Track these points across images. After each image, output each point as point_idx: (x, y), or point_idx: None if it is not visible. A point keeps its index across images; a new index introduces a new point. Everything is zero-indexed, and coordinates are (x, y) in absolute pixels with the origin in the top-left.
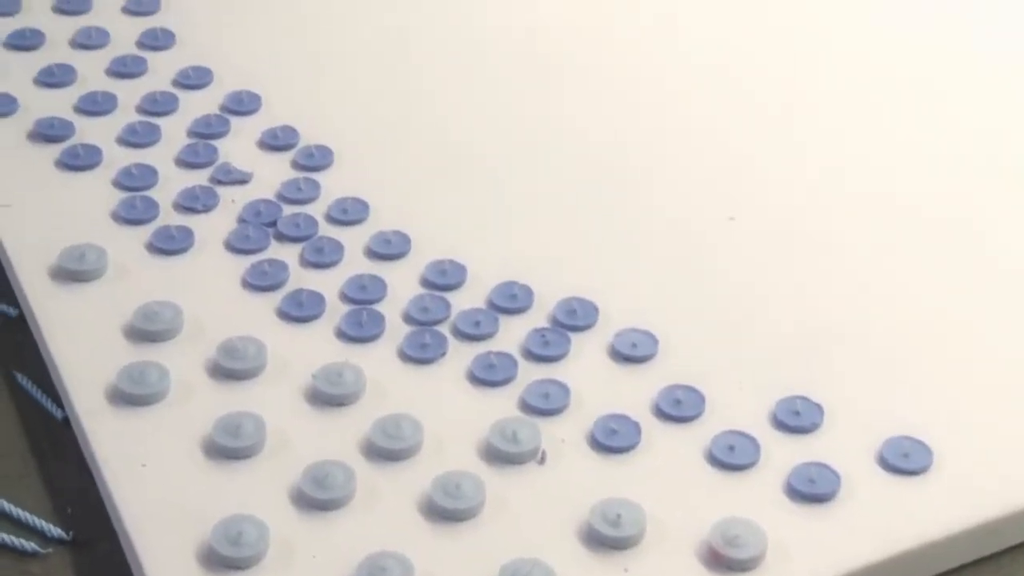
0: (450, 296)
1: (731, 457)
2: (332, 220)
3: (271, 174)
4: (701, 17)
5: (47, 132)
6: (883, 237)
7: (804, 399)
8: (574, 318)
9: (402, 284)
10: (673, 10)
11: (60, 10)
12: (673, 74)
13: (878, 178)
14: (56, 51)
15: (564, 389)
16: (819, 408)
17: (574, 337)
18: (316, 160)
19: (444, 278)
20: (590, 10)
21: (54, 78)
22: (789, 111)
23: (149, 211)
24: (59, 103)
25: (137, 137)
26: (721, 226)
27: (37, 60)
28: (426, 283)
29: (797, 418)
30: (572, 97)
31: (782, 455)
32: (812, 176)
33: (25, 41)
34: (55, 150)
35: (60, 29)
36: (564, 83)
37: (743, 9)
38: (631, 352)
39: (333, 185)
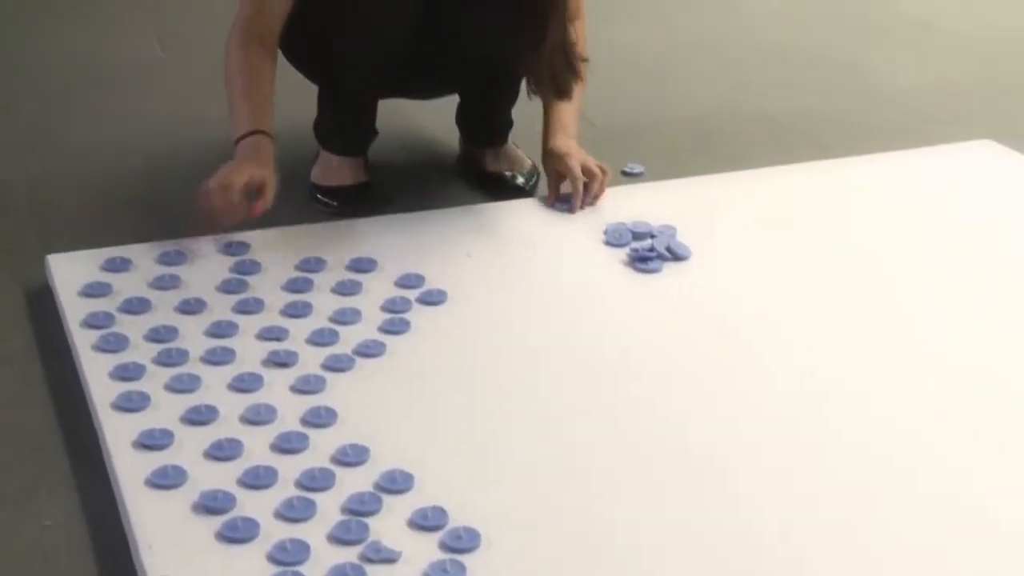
0: None
1: None
2: None
3: (419, 554)
4: (841, 420)
5: (210, 504)
6: None
7: None
8: None
9: None
10: (808, 423)
11: (234, 388)
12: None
13: None
14: (226, 426)
15: None
16: None
17: None
18: (464, 542)
19: None
20: (742, 410)
21: (222, 452)
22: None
23: None
24: (224, 476)
25: (294, 512)
26: None
27: (208, 434)
28: None
29: None
30: (712, 499)
31: None
32: None
33: (200, 416)
34: (216, 522)
35: (232, 405)
36: (705, 480)
37: (883, 432)
38: None
39: (479, 568)
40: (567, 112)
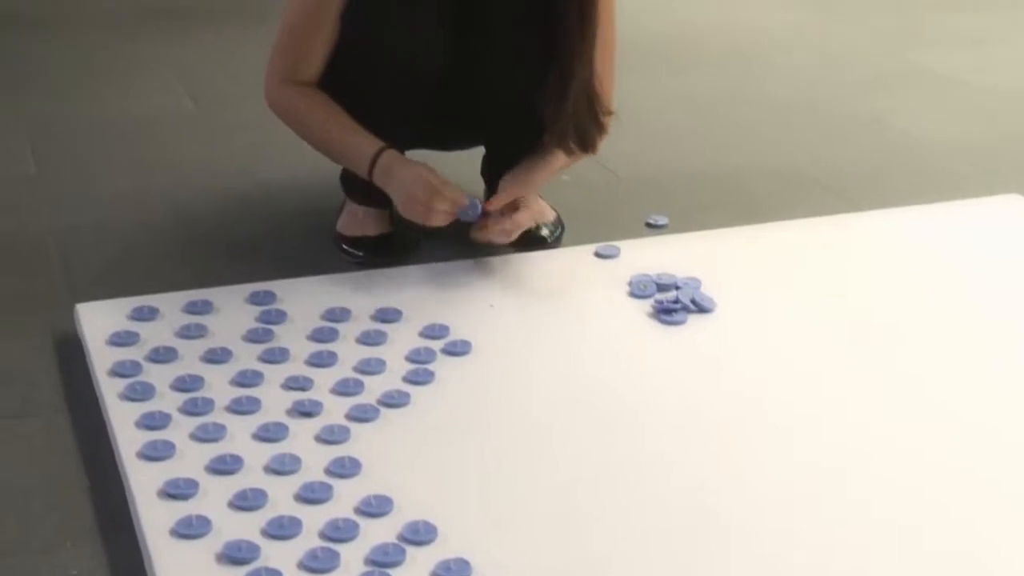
0: None
1: None
2: None
3: None
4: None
5: (235, 555)
6: None
7: None
8: None
9: None
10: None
11: (259, 437)
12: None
13: None
14: (251, 476)
15: None
16: None
17: None
18: None
19: None
20: (765, 467)
21: (247, 502)
22: None
23: None
24: (248, 526)
25: (318, 563)
26: None
27: (233, 484)
28: None
29: None
30: (731, 554)
31: None
32: None
33: (225, 466)
34: (240, 572)
35: (256, 454)
36: (723, 536)
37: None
38: None
39: None
40: (557, 165)
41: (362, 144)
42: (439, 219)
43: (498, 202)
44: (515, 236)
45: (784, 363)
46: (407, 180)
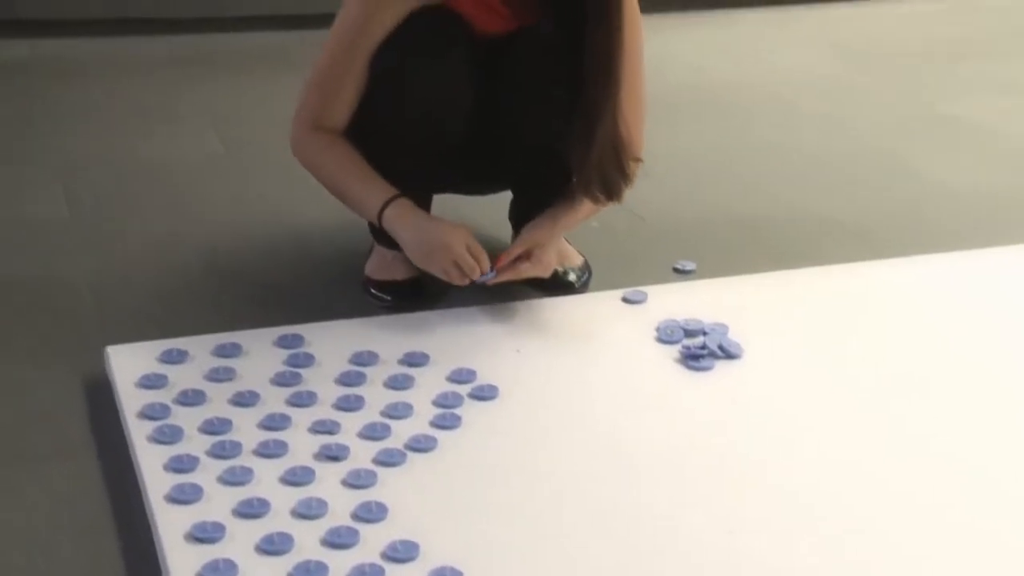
0: None
1: None
2: None
3: None
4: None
5: None
6: None
7: None
8: None
9: None
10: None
11: (286, 481)
12: None
13: None
14: (277, 520)
15: None
16: None
17: None
18: None
19: None
20: (791, 514)
21: (273, 546)
22: None
23: None
24: (275, 571)
25: None
26: None
27: (260, 528)
28: None
29: None
30: None
31: None
32: None
33: (252, 510)
34: None
35: (283, 498)
36: None
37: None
38: None
39: None
40: (583, 213)
41: (373, 192)
42: (456, 282)
43: (509, 256)
44: (508, 279)
45: (811, 410)
46: (425, 240)
